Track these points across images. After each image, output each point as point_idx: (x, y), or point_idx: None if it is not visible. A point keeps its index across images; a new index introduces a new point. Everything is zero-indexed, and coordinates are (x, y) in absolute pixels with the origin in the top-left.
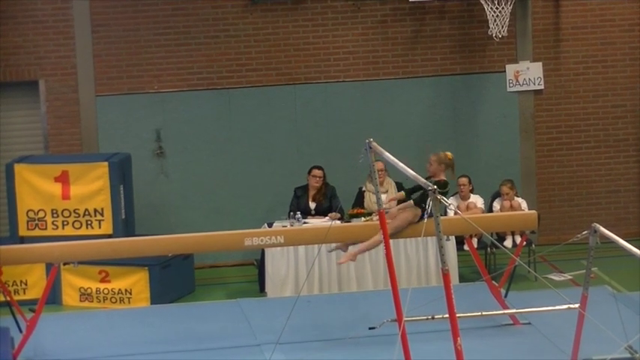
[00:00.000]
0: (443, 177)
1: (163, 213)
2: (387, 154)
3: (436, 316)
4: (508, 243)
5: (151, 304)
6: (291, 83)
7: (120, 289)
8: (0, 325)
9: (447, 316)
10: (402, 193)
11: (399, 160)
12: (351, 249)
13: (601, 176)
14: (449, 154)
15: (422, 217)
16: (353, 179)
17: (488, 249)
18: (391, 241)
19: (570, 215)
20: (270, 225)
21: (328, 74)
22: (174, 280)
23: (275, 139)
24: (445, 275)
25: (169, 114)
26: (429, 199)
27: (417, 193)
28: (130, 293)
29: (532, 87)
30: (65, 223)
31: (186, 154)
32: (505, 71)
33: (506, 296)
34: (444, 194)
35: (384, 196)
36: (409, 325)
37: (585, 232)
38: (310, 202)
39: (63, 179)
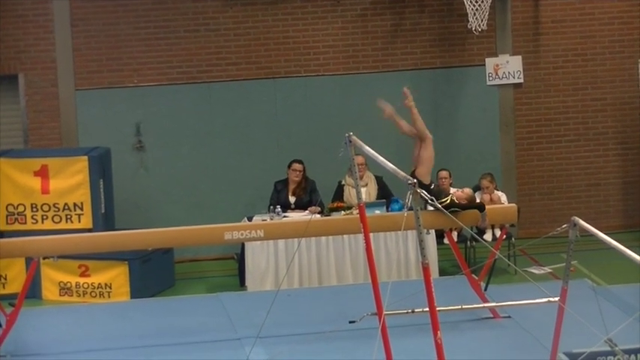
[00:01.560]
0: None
1: (143, 207)
2: (367, 147)
3: (416, 310)
4: (488, 236)
5: (131, 298)
6: (271, 77)
7: (100, 284)
8: None
9: (427, 309)
10: None
11: (379, 154)
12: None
13: (581, 169)
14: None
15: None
16: (333, 173)
17: (468, 242)
18: (371, 234)
19: (550, 208)
20: (250, 219)
21: (308, 68)
22: (155, 274)
23: (255, 132)
24: (425, 269)
25: (149, 108)
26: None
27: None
28: (110, 287)
29: (512, 80)
30: (45, 217)
31: (166, 148)
32: (485, 65)
33: (486, 290)
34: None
35: (363, 190)
36: (389, 318)
37: (565, 225)
38: (290, 196)
39: (42, 173)
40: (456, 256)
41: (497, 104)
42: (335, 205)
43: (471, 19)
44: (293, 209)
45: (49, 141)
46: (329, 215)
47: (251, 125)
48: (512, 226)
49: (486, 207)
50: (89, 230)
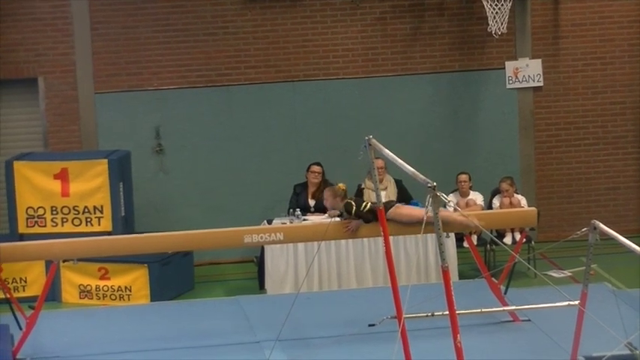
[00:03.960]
0: (341, 205)
1: (163, 210)
2: (387, 151)
3: (436, 313)
4: (508, 240)
5: (151, 301)
6: (290, 80)
7: (119, 287)
8: (0, 323)
9: (447, 313)
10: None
11: (399, 157)
12: None
13: (600, 173)
14: (341, 185)
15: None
16: (352, 176)
17: (488, 246)
18: (391, 238)
19: (570, 212)
20: (269, 222)
21: (327, 71)
22: (174, 277)
23: (274, 136)
24: (445, 272)
25: (168, 111)
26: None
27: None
28: (130, 290)
29: (531, 84)
30: (65, 220)
31: (185, 152)
32: (504, 68)
33: (505, 293)
34: (360, 207)
35: (383, 193)
36: (409, 322)
37: (585, 229)
38: (309, 199)
39: (62, 176)
40: (475, 260)
41: (516, 107)
42: None
43: (490, 23)
44: (313, 212)
45: (69, 144)
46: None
47: (270, 128)
48: (531, 229)
49: (506, 210)
50: (109, 233)
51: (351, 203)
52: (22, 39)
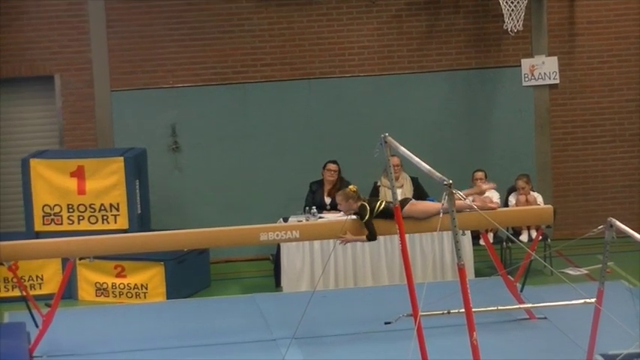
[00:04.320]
0: (355, 206)
1: (178, 208)
2: (403, 148)
3: (452, 311)
4: (524, 237)
5: (167, 299)
6: (306, 78)
7: (136, 284)
8: (16, 320)
9: (463, 310)
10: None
11: (415, 155)
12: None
13: (616, 170)
14: (352, 187)
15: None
16: (368, 174)
17: (504, 243)
18: (407, 235)
19: (586, 210)
20: (285, 220)
21: (343, 69)
22: (190, 275)
23: (290, 133)
24: (461, 270)
25: (184, 109)
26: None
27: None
28: (146, 288)
29: (547, 81)
30: (81, 218)
31: (200, 149)
32: (520, 65)
33: (521, 291)
34: (373, 211)
35: (399, 191)
36: (425, 319)
37: (601, 226)
38: (325, 197)
39: (78, 174)
40: (491, 257)
41: (532, 105)
42: None
43: (506, 20)
44: (328, 210)
45: (85, 142)
46: None
47: (286, 126)
48: (548, 227)
49: (522, 208)
50: (125, 231)
51: (365, 207)
52: (38, 37)
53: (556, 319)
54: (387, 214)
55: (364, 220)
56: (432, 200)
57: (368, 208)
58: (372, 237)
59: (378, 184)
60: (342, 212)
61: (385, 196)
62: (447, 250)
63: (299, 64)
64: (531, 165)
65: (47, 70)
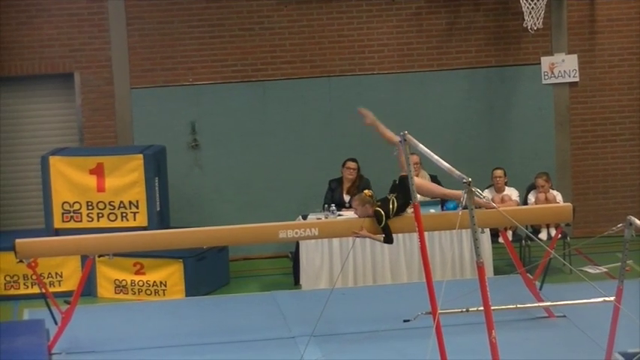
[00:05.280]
0: (371, 211)
1: (198, 205)
2: (422, 146)
3: (471, 309)
4: (543, 235)
5: (186, 296)
6: (326, 75)
7: (155, 282)
8: (35, 317)
9: (482, 308)
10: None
11: (434, 153)
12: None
13: (636, 169)
14: (367, 192)
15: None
16: (387, 172)
17: (523, 241)
18: (426, 233)
19: (605, 208)
20: (304, 217)
21: (362, 67)
22: (209, 272)
23: (309, 131)
24: (480, 268)
25: (204, 106)
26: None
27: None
28: (165, 285)
29: (567, 79)
30: (100, 215)
31: (220, 147)
32: (540, 63)
33: (541, 289)
34: (389, 214)
35: None
36: (444, 317)
37: (621, 224)
38: (345, 195)
39: (98, 171)
40: (510, 255)
41: (552, 103)
42: None
43: (526, 18)
44: (347, 208)
45: (105, 139)
46: None
47: (305, 124)
48: (567, 225)
49: (541, 206)
50: (144, 228)
51: (380, 213)
52: (58, 34)
53: (575, 317)
54: (401, 208)
55: (381, 226)
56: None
57: (383, 213)
58: (389, 240)
59: (397, 182)
60: None
61: None
62: (466, 248)
63: (319, 61)
64: (551, 163)
65: (67, 67)
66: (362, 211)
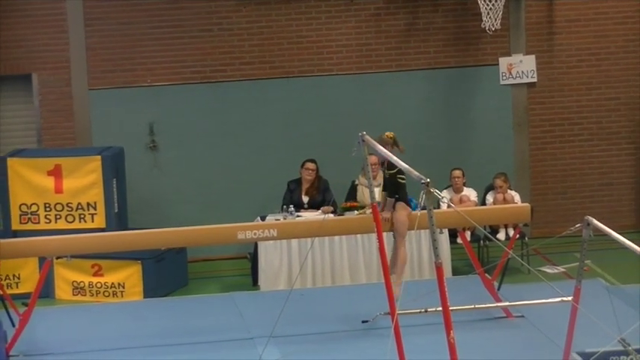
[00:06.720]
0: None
1: (156, 207)
2: (380, 147)
3: (429, 309)
4: (501, 236)
5: (144, 297)
6: (285, 76)
7: (113, 283)
8: None
9: (440, 309)
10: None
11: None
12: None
13: (594, 169)
14: (388, 133)
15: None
16: (346, 172)
17: (482, 242)
18: (384, 234)
19: (564, 208)
20: (263, 218)
21: (322, 67)
22: (168, 273)
23: (269, 132)
24: (438, 268)
25: (163, 107)
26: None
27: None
28: (123, 287)
29: (525, 80)
30: (58, 217)
31: (179, 148)
32: (498, 64)
33: (499, 289)
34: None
35: (377, 190)
36: (402, 318)
37: (579, 224)
38: (303, 196)
39: (56, 173)
40: (469, 256)
41: (510, 104)
42: (348, 204)
43: (484, 19)
44: (306, 209)
45: (63, 140)
46: (342, 215)
47: (265, 125)
48: (525, 225)
49: (500, 206)
50: (102, 230)
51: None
52: (16, 35)
53: (533, 317)
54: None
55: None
56: (411, 200)
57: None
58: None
59: (356, 182)
60: (319, 211)
61: (363, 194)
62: (424, 249)
63: (278, 62)
64: (510, 163)
65: (25, 68)
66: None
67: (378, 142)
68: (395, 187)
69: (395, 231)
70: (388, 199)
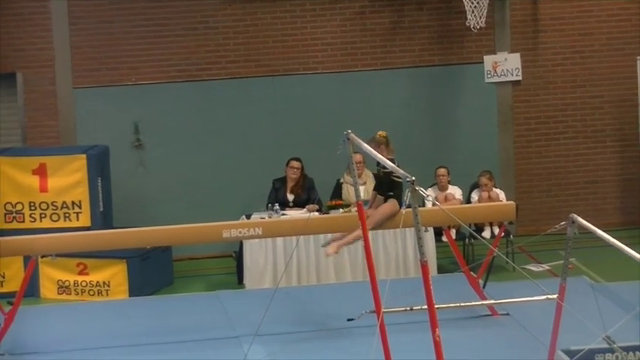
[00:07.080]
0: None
1: (142, 205)
2: (365, 145)
3: (415, 308)
4: (486, 234)
5: (130, 296)
6: (270, 75)
7: (98, 282)
8: None
9: (426, 307)
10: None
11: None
12: (334, 242)
13: (579, 167)
14: (381, 132)
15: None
16: (331, 171)
17: (467, 240)
18: (370, 232)
19: (549, 206)
20: (248, 217)
21: (307, 66)
22: (153, 272)
23: (254, 130)
24: (423, 266)
25: (148, 106)
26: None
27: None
28: (109, 286)
29: (510, 78)
30: (43, 215)
31: (164, 147)
32: (483, 62)
33: (484, 287)
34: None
35: (362, 188)
36: (388, 316)
37: (563, 222)
38: (288, 194)
39: (41, 172)
40: (454, 254)
41: (495, 102)
42: (333, 202)
43: (469, 17)
44: (291, 207)
45: (48, 139)
46: (327, 213)
47: (250, 123)
48: (510, 223)
49: (485, 205)
50: (87, 228)
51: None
52: (0, 34)
53: (518, 315)
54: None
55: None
56: None
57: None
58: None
59: (341, 181)
60: (304, 210)
61: (348, 193)
62: (409, 247)
63: (263, 61)
64: (495, 161)
65: (9, 67)
66: (384, 153)
67: (371, 142)
68: (390, 186)
69: (370, 215)
70: (378, 196)
